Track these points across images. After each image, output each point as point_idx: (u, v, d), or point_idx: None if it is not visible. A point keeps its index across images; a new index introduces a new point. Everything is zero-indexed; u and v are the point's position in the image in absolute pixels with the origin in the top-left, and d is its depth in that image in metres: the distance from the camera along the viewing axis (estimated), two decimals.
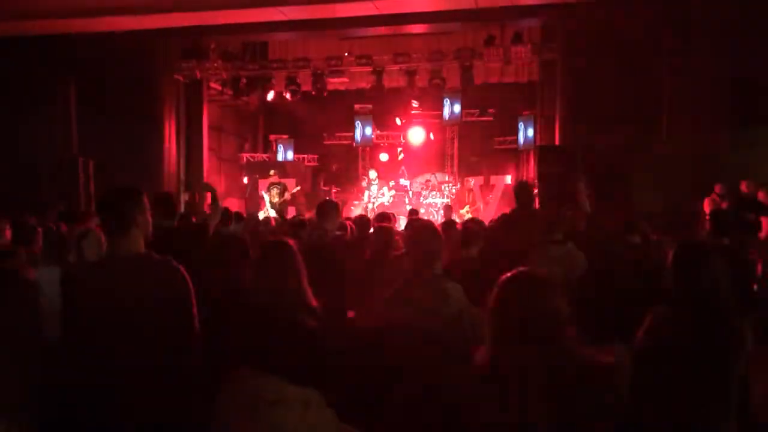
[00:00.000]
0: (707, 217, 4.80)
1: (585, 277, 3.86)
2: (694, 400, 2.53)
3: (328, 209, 4.86)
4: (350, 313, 3.43)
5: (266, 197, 14.00)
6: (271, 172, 14.35)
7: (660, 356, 2.59)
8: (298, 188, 14.65)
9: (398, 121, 16.26)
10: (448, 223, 6.51)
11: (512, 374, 1.96)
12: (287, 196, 14.10)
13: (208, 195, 5.83)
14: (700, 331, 2.53)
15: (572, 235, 4.65)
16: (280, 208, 13.48)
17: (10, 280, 1.73)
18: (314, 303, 2.70)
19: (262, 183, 14.94)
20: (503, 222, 5.56)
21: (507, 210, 12.70)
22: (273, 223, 8.40)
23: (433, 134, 16.24)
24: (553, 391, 1.92)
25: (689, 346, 2.53)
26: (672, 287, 2.70)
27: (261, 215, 13.03)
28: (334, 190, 15.64)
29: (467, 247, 4.17)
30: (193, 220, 6.09)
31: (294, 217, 9.87)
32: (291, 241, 2.88)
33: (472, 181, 15.33)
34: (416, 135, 16.15)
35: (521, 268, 2.14)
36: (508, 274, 2.10)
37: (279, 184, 14.06)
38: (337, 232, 5.01)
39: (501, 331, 2.04)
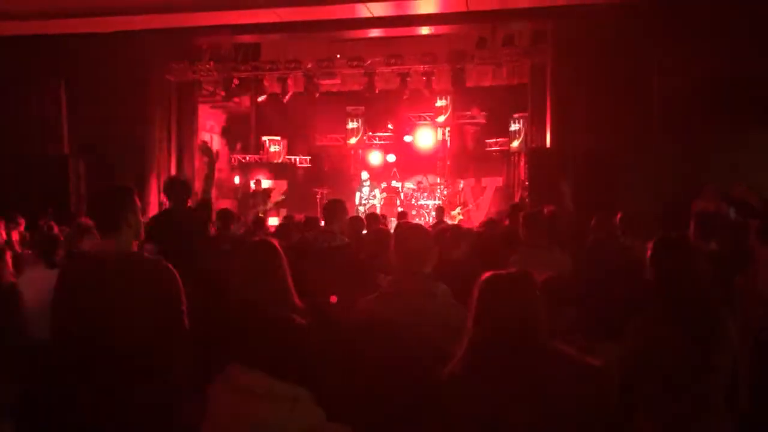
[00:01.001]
0: (690, 222, 4.80)
1: (574, 279, 3.87)
2: (682, 395, 2.56)
3: (335, 210, 4.70)
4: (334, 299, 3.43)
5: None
6: (258, 177, 14.29)
7: (647, 355, 2.62)
8: (283, 197, 14.64)
9: (390, 126, 16.29)
10: (440, 225, 6.52)
11: (489, 374, 1.98)
12: (269, 204, 14.08)
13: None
14: (683, 326, 2.56)
15: (559, 239, 4.66)
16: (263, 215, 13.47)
17: None
18: (298, 302, 2.72)
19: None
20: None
21: (499, 210, 12.84)
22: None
23: (425, 136, 16.27)
24: (534, 391, 1.94)
25: (674, 341, 2.56)
26: (653, 284, 2.74)
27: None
28: (325, 191, 15.64)
29: (452, 249, 4.17)
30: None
31: (288, 216, 9.91)
32: (275, 241, 2.91)
33: (463, 183, 15.37)
34: (423, 137, 16.10)
35: (500, 269, 2.16)
36: (487, 274, 2.12)
37: (261, 192, 14.02)
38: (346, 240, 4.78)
39: (478, 330, 2.05)
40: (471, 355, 2.04)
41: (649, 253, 2.80)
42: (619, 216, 5.37)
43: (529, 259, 4.24)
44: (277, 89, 13.69)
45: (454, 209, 13.99)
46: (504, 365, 1.97)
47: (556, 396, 1.93)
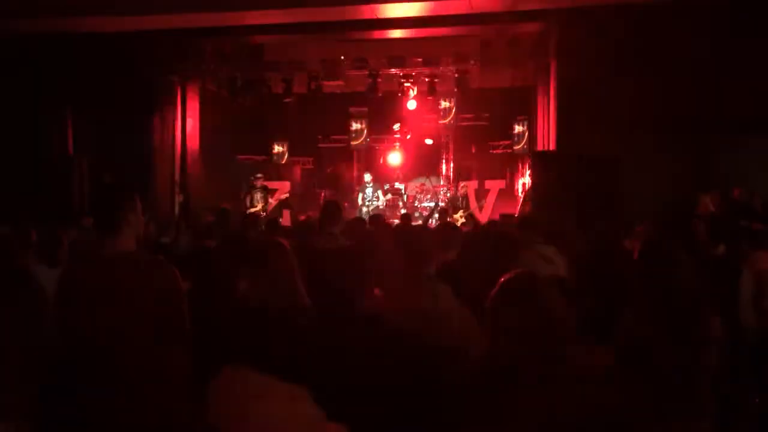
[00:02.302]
0: (698, 224, 4.80)
1: (570, 279, 3.87)
2: (666, 397, 2.55)
3: (334, 212, 4.74)
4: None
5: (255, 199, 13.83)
6: (258, 175, 14.21)
7: (632, 355, 2.62)
8: (286, 195, 14.61)
9: (395, 126, 16.29)
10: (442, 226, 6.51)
11: (509, 372, 1.97)
12: (271, 200, 14.00)
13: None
14: (667, 328, 2.56)
15: (558, 239, 4.65)
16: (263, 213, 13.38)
17: (21, 279, 1.70)
18: (306, 303, 2.72)
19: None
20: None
21: (501, 213, 12.82)
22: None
23: (428, 138, 16.28)
24: (548, 391, 1.93)
25: (658, 343, 2.57)
26: (640, 287, 2.75)
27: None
28: (327, 193, 15.63)
29: (446, 250, 4.17)
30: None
31: (305, 219, 9.90)
32: (284, 242, 2.90)
33: (467, 186, 15.34)
34: (426, 139, 16.15)
35: (521, 269, 2.16)
36: (510, 274, 2.10)
37: (262, 187, 13.91)
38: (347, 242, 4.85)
39: (500, 329, 2.04)
40: (487, 354, 2.03)
41: (637, 258, 2.82)
42: (620, 220, 5.38)
43: (536, 254, 4.24)
44: (280, 90, 13.70)
45: (456, 212, 13.96)
46: (520, 364, 1.96)
47: (569, 397, 1.91)
